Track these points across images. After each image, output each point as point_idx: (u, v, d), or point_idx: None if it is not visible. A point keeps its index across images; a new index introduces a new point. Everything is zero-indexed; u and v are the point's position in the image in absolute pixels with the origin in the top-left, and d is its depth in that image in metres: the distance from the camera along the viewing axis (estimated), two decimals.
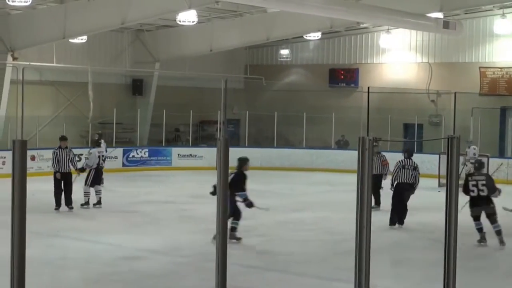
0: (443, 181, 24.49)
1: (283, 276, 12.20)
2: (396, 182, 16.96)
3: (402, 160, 17.07)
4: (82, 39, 29.13)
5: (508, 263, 13.60)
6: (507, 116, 31.31)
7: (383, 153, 19.86)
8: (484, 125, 29.97)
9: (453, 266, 6.62)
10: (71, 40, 28.52)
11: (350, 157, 28.77)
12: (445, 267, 6.66)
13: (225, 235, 6.80)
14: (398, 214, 16.74)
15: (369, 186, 6.72)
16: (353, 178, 6.61)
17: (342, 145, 32.80)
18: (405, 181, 16.84)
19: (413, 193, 17.00)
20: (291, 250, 14.38)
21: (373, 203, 16.37)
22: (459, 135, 7.38)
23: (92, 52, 31.27)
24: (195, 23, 26.37)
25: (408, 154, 17.32)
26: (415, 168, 17.07)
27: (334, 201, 20.97)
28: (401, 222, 16.75)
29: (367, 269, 6.15)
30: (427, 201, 20.02)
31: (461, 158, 23.50)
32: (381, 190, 19.34)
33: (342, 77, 35.35)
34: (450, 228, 6.69)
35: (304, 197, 22.50)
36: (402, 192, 16.81)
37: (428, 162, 26.58)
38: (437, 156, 26.19)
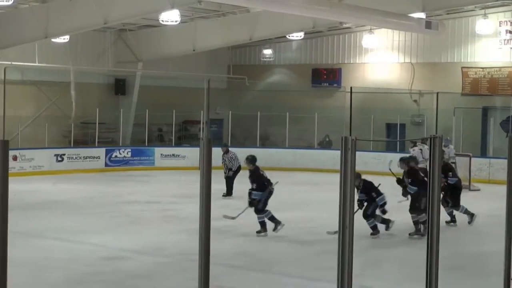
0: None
1: (266, 276, 12.22)
2: None
3: None
4: (64, 39, 29.02)
5: (489, 262, 13.64)
6: (489, 116, 31.45)
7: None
8: (466, 125, 30.09)
9: (435, 266, 6.64)
10: (53, 40, 28.43)
11: (333, 157, 28.82)
12: (427, 266, 6.68)
13: (208, 235, 6.78)
14: None
15: (352, 186, 6.73)
16: (336, 178, 6.62)
17: (325, 145, 32.83)
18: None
19: None
20: (274, 250, 14.40)
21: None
22: (441, 134, 7.40)
23: (75, 51, 31.19)
24: (178, 22, 26.33)
25: None
26: None
27: (317, 201, 20.97)
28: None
29: (350, 269, 6.15)
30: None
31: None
32: None
33: (324, 77, 35.39)
34: (432, 227, 6.72)
35: (287, 197, 22.50)
36: None
37: None
38: None
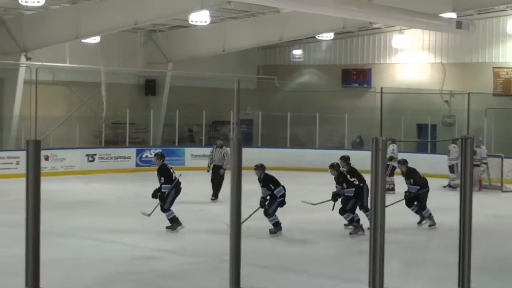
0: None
1: (297, 276, 12.19)
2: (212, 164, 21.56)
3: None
4: (95, 39, 29.20)
5: None
6: None
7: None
8: (498, 126, 29.85)
9: (467, 267, 6.60)
10: (84, 41, 28.60)
11: (363, 157, 28.62)
12: (459, 267, 6.64)
13: (239, 235, 6.79)
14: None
15: (383, 187, 6.71)
16: (367, 178, 6.60)
17: (357, 145, 32.73)
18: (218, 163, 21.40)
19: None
20: (306, 250, 14.39)
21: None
22: (473, 135, 7.36)
23: (105, 52, 31.31)
24: (207, 23, 26.39)
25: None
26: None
27: None
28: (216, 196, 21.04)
29: (381, 270, 6.14)
30: (441, 201, 19.99)
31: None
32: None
33: (354, 77, 35.31)
34: (464, 228, 6.68)
35: (318, 198, 22.40)
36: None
37: (443, 163, 26.41)
38: None
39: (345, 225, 16.01)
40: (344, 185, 15.81)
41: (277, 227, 15.49)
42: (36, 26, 27.45)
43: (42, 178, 5.83)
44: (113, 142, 31.82)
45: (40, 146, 5.77)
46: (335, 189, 16.13)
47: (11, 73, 28.40)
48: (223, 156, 21.52)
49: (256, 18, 30.54)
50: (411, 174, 17.20)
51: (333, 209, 15.76)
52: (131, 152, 30.02)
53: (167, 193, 15.83)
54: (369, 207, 16.37)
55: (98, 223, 16.85)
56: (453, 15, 26.22)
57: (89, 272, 12.05)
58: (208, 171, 21.83)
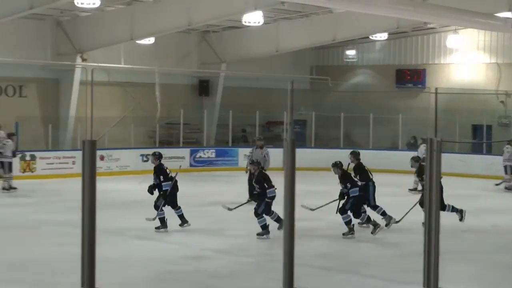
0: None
1: (351, 277, 12.15)
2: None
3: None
4: (149, 40, 29.44)
5: None
6: None
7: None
8: None
9: None
10: (138, 42, 28.85)
11: None
12: None
13: (293, 235, 6.79)
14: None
15: (437, 188, 6.66)
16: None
17: (411, 146, 32.50)
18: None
19: None
20: (359, 251, 14.34)
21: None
22: None
23: (159, 53, 31.52)
24: (261, 24, 26.42)
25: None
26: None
27: (401, 203, 20.76)
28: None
29: (436, 272, 6.09)
30: (496, 202, 19.82)
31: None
32: None
33: (408, 77, 35.08)
34: None
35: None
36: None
37: (499, 164, 26.10)
38: None
39: (359, 223, 15.87)
40: (348, 184, 15.62)
41: (265, 229, 15.26)
42: (92, 28, 27.78)
43: (97, 178, 5.89)
44: (167, 142, 32.03)
45: (95, 146, 5.84)
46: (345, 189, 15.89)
47: (67, 74, 28.82)
48: (264, 156, 20.89)
49: (309, 18, 30.51)
50: (422, 171, 16.84)
51: (337, 212, 15.51)
52: (185, 152, 30.19)
53: (169, 191, 16.00)
54: (376, 204, 16.47)
55: (151, 223, 16.94)
56: (509, 14, 25.89)
57: (141, 271, 12.16)
58: (247, 172, 21.45)
